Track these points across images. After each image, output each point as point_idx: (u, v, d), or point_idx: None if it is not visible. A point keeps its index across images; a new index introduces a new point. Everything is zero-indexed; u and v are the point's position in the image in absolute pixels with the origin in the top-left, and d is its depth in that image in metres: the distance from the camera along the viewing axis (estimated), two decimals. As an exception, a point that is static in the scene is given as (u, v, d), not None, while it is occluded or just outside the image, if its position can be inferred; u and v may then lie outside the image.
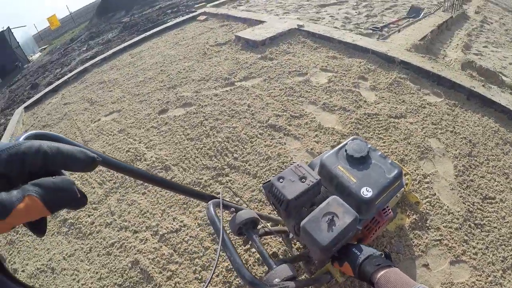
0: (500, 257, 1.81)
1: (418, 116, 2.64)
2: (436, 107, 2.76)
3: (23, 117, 4.49)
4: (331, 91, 2.83)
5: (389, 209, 1.44)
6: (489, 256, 1.79)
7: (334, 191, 1.30)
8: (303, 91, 2.85)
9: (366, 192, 1.19)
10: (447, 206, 1.95)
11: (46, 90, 5.02)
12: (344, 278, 1.46)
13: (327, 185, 1.35)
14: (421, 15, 4.52)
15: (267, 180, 1.26)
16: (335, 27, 4.21)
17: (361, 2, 5.53)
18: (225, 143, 2.44)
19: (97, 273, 1.88)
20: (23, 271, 2.09)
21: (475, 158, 2.33)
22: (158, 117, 3.10)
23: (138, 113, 3.32)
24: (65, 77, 5.21)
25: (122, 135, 3.05)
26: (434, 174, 2.15)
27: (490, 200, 2.07)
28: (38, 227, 0.33)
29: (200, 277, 1.70)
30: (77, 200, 0.33)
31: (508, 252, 1.85)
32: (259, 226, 1.20)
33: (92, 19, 11.38)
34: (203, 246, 1.84)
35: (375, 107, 2.68)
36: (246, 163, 2.23)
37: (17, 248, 2.28)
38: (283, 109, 2.65)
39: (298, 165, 1.27)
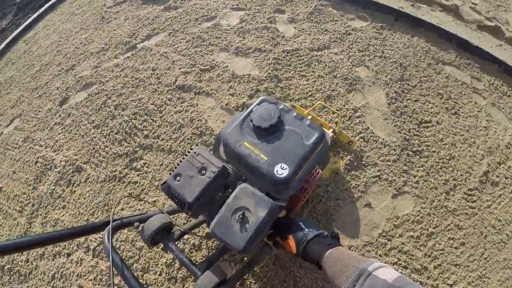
0: (442, 180, 1.69)
1: (343, 44, 2.27)
2: (362, 32, 2.39)
3: None
4: (244, 32, 2.32)
5: (316, 170, 1.20)
6: (431, 182, 1.67)
7: (245, 172, 1.02)
8: (212, 38, 2.31)
9: (281, 171, 0.93)
10: (383, 139, 1.74)
11: None
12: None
13: (236, 165, 1.04)
14: None
15: (164, 182, 0.97)
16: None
17: None
18: (132, 121, 1.95)
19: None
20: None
21: (408, 82, 2.07)
22: (60, 110, 2.44)
23: (39, 111, 2.62)
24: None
25: (27, 144, 2.41)
26: (365, 106, 1.89)
27: (426, 124, 1.89)
28: None
29: (144, 282, 1.43)
30: None
31: (449, 174, 1.73)
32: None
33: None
34: (136, 248, 1.52)
35: (295, 42, 2.25)
36: (158, 139, 1.81)
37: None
38: (191, 64, 2.13)
39: (195, 153, 0.96)
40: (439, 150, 1.80)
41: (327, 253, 0.79)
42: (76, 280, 1.59)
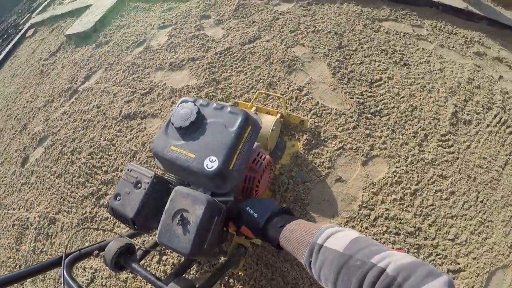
0: (410, 133, 1.61)
1: (273, 30, 2.32)
2: (290, 14, 2.44)
3: None
4: (175, 47, 2.36)
5: (261, 156, 1.14)
6: (399, 138, 1.58)
7: (181, 175, 1.01)
8: (146, 61, 2.34)
9: (211, 164, 0.89)
10: (336, 109, 1.69)
11: None
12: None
13: (171, 171, 1.03)
14: None
15: (107, 205, 0.97)
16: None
17: None
18: (90, 161, 1.97)
19: None
20: None
21: (347, 48, 2.06)
22: (23, 171, 2.42)
23: (4, 177, 2.58)
24: None
25: (1, 211, 2.38)
26: (310, 82, 1.86)
27: (378, 83, 1.83)
28: None
29: None
30: None
31: (416, 125, 1.65)
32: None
33: None
34: (121, 281, 1.54)
35: (225, 42, 2.31)
36: (118, 171, 1.84)
37: None
38: (131, 91, 2.17)
39: (128, 169, 0.96)
40: (399, 104, 1.71)
41: (280, 234, 0.73)
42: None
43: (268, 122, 1.40)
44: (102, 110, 2.16)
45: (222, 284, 1.31)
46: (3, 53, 4.83)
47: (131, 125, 1.98)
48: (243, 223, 0.86)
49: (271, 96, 1.83)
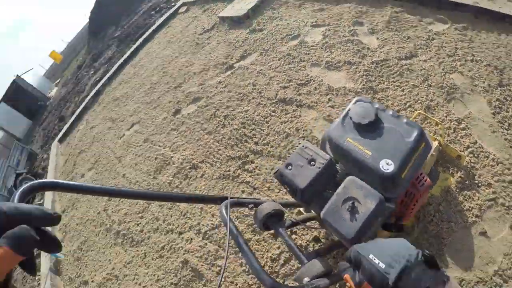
0: None
1: (430, 51, 2.23)
2: (445, 36, 2.31)
3: (60, 149, 4.55)
4: (330, 47, 2.48)
5: (423, 177, 1.13)
6: None
7: (352, 168, 1.03)
8: (302, 54, 2.52)
9: (387, 166, 0.91)
10: (494, 155, 1.55)
11: (71, 120, 5.00)
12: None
13: (342, 162, 1.09)
14: None
15: (276, 170, 1.07)
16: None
17: None
18: (242, 129, 2.26)
19: (154, 275, 1.91)
20: (92, 281, 2.19)
21: (508, 87, 1.85)
22: (174, 119, 2.94)
23: (155, 119, 3.18)
24: (84, 103, 5.12)
25: (147, 144, 2.97)
26: (469, 116, 1.74)
27: None
28: (29, 267, 0.38)
29: (247, 269, 1.63)
30: (38, 242, 0.36)
31: None
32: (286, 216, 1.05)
33: (88, 43, 10.94)
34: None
35: (381, 52, 2.32)
36: (268, 145, 2.06)
37: (84, 263, 2.39)
38: (287, 79, 2.38)
39: (303, 146, 1.06)
40: None
41: None
42: (183, 254, 1.87)
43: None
44: (258, 89, 2.44)
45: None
46: (158, 22, 5.84)
47: (285, 109, 2.19)
48: (364, 277, 0.54)
49: (428, 120, 1.77)
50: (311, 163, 1.01)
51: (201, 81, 3.03)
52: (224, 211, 0.81)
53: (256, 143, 2.11)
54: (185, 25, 4.64)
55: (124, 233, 2.32)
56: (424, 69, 2.13)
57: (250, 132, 2.20)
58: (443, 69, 2.09)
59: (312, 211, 1.20)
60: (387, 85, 2.07)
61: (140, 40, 5.60)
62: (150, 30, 5.61)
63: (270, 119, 2.18)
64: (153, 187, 2.50)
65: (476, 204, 1.43)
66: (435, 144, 1.42)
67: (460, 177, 1.51)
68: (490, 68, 2.00)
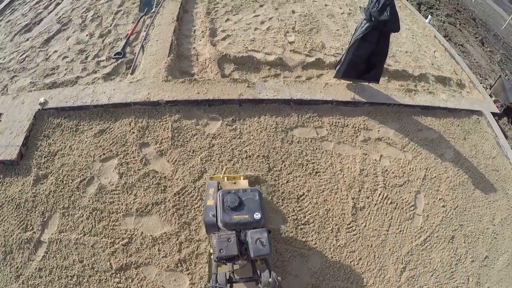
0: (329, 230, 2.34)
1: (214, 161, 2.49)
2: (221, 137, 2.61)
3: None
4: (131, 187, 2.29)
5: None
6: (323, 236, 2.28)
7: (241, 228, 1.61)
8: (108, 204, 2.19)
9: (258, 215, 1.64)
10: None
11: None
12: None
13: (236, 228, 1.61)
14: (153, 4, 3.73)
15: None
16: (78, 77, 2.98)
17: (85, 14, 3.87)
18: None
19: None
20: None
21: (275, 169, 2.52)
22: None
23: None
24: None
25: None
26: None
27: (302, 197, 2.44)
28: None
29: None
30: None
31: (331, 223, 2.34)
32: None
33: None
34: None
35: (177, 180, 2.37)
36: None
37: None
38: (110, 242, 2.01)
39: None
40: (318, 211, 2.32)
41: None
42: None
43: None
44: (88, 264, 2.02)
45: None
46: None
47: (129, 276, 2.00)
48: None
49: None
50: (229, 240, 1.53)
51: (18, 272, 2.25)
52: None
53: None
54: None
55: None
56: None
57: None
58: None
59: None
60: (194, 213, 2.24)
61: None
62: None
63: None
64: None
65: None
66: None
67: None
68: (260, 159, 2.49)
